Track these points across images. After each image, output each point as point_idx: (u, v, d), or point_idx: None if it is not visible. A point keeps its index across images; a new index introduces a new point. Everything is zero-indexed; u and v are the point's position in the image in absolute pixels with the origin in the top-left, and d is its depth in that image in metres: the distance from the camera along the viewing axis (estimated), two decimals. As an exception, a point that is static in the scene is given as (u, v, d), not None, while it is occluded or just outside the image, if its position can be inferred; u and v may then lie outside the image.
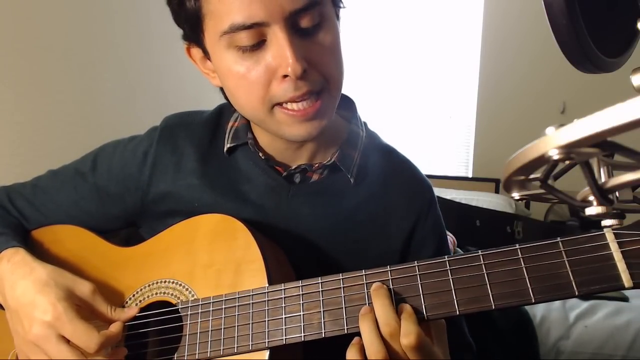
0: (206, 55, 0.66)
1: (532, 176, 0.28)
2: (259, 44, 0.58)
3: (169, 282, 0.66)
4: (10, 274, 0.64)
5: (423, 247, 0.74)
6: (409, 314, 0.54)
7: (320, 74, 0.61)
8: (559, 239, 0.52)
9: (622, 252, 0.49)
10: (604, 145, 0.22)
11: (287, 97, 0.60)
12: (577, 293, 0.50)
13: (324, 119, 0.63)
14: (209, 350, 0.60)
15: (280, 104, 0.61)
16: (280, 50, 0.57)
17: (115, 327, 0.62)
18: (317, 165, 0.72)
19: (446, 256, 0.55)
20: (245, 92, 0.62)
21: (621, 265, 0.49)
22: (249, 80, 0.60)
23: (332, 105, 0.65)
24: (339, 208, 0.72)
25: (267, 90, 0.60)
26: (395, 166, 0.77)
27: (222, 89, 0.71)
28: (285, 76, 0.59)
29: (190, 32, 0.64)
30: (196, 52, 0.68)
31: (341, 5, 0.67)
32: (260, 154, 0.71)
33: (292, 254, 0.68)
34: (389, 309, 0.54)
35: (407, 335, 0.52)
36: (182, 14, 0.62)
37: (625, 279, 0.49)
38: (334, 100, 0.65)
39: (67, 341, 0.59)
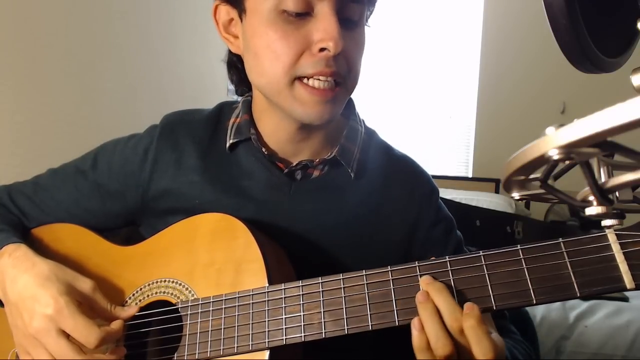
0: (242, 14, 0.66)
1: (532, 176, 0.28)
2: (303, 15, 0.61)
3: (169, 281, 0.66)
4: (11, 268, 0.64)
5: (433, 236, 0.75)
6: (477, 321, 0.50)
7: (346, 64, 0.63)
8: (560, 239, 0.52)
9: (624, 253, 0.49)
10: (604, 145, 0.22)
11: (315, 70, 0.61)
12: (578, 294, 0.50)
13: (336, 107, 0.65)
14: (209, 350, 0.60)
15: (301, 79, 0.62)
16: (327, 24, 0.60)
17: (115, 325, 0.62)
18: (317, 160, 0.72)
19: (447, 256, 0.55)
20: (274, 55, 0.62)
21: (623, 267, 0.49)
22: (283, 45, 0.61)
23: (345, 98, 0.68)
24: (340, 204, 0.72)
25: (297, 60, 0.61)
26: (394, 162, 0.78)
27: (230, 62, 0.73)
28: (322, 50, 0.60)
29: None
30: (224, 13, 0.68)
31: (367, 22, 0.70)
32: (263, 149, 0.71)
33: (294, 251, 0.68)
34: (454, 305, 0.51)
35: (485, 354, 0.50)
36: None
37: (628, 280, 0.49)
38: (347, 95, 0.68)
39: (67, 336, 0.59)
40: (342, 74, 0.63)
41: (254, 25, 0.64)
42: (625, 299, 1.77)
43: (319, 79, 0.62)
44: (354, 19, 0.63)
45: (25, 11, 1.39)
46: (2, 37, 1.32)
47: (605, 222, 0.29)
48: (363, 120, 0.79)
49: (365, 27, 0.70)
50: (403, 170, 0.78)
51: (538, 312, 1.71)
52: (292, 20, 0.61)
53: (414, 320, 0.53)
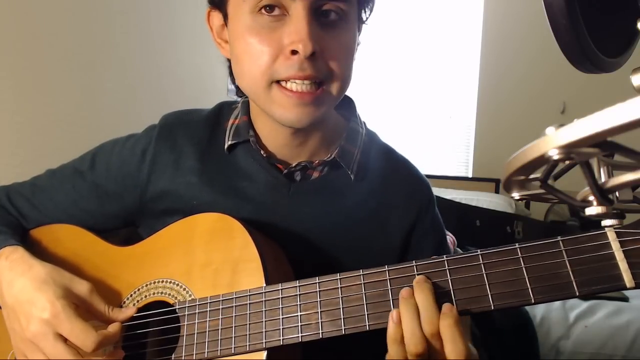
0: (225, 19, 0.67)
1: (532, 176, 0.28)
2: (280, 17, 0.60)
3: (166, 281, 0.66)
4: (8, 271, 0.64)
5: (423, 245, 0.74)
6: (455, 321, 0.51)
7: (327, 65, 0.62)
8: (559, 238, 0.52)
9: (623, 251, 0.49)
10: (604, 145, 0.22)
11: (289, 74, 0.60)
12: (577, 293, 0.50)
13: (318, 110, 0.64)
14: (206, 350, 0.60)
15: (279, 82, 0.62)
16: (297, 25, 0.59)
17: (113, 328, 0.62)
18: (317, 162, 0.71)
19: (445, 256, 0.55)
20: (250, 60, 0.62)
21: (623, 265, 0.49)
22: (258, 49, 0.61)
23: (329, 101, 0.66)
24: (339, 205, 0.72)
25: (272, 63, 0.61)
26: (395, 165, 0.78)
27: (230, 66, 0.72)
28: (294, 52, 0.59)
29: None
30: (217, 18, 0.69)
31: (364, 20, 0.69)
32: (262, 152, 0.71)
33: (293, 252, 0.67)
34: (433, 307, 0.52)
35: (458, 354, 0.51)
36: None
37: (627, 279, 0.48)
38: (332, 97, 0.65)
39: (65, 340, 0.59)
40: (321, 76, 0.62)
41: (235, 30, 0.64)
42: (625, 299, 1.77)
43: (295, 82, 0.61)
44: (335, 18, 0.62)
45: (26, 11, 1.39)
46: (2, 37, 1.31)
47: (605, 222, 0.29)
48: (364, 123, 0.79)
49: (364, 25, 0.69)
50: (403, 174, 0.77)
51: (538, 312, 1.71)
52: (269, 24, 0.61)
53: (392, 311, 0.54)
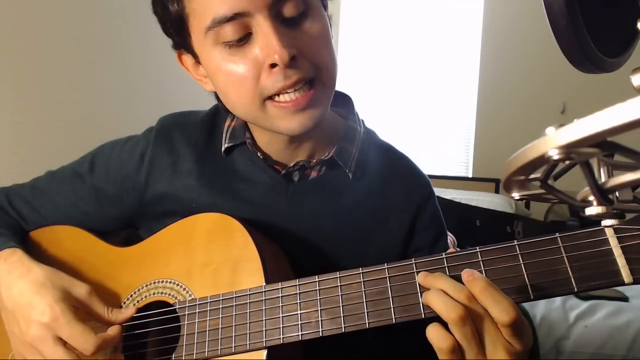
0: (196, 59, 0.65)
1: (532, 176, 0.28)
2: (245, 38, 0.58)
3: (166, 281, 0.66)
4: (7, 274, 0.64)
5: (421, 238, 0.74)
6: (488, 282, 0.49)
7: (310, 62, 0.60)
8: (557, 234, 0.52)
9: (621, 247, 0.49)
10: (604, 145, 0.22)
11: (278, 88, 0.59)
12: (576, 289, 0.50)
13: (317, 109, 0.62)
14: (206, 350, 0.60)
15: (271, 98, 0.60)
16: (266, 39, 0.57)
17: (113, 331, 0.62)
18: (315, 161, 0.71)
19: (444, 253, 0.55)
20: (236, 88, 0.61)
21: (621, 261, 0.49)
22: (238, 75, 0.59)
23: (326, 96, 0.64)
24: (338, 205, 0.71)
25: (257, 84, 0.59)
26: (393, 162, 0.77)
27: (216, 94, 0.71)
28: (274, 66, 0.58)
29: (178, 36, 0.64)
30: (187, 58, 0.67)
31: None
32: (259, 154, 0.71)
33: (293, 253, 0.67)
34: (454, 281, 0.51)
35: (509, 312, 0.47)
36: (168, 19, 0.62)
37: (625, 274, 0.49)
38: (327, 91, 0.64)
39: (64, 343, 0.59)
40: (309, 75, 0.60)
41: (209, 66, 0.62)
42: (625, 299, 1.77)
43: (287, 92, 0.59)
44: (299, 12, 0.59)
45: (26, 11, 1.39)
46: (2, 37, 1.32)
47: (605, 222, 0.29)
48: (363, 121, 0.79)
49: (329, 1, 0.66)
50: (401, 172, 0.77)
51: (538, 312, 1.71)
52: (237, 49, 0.59)
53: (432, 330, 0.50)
